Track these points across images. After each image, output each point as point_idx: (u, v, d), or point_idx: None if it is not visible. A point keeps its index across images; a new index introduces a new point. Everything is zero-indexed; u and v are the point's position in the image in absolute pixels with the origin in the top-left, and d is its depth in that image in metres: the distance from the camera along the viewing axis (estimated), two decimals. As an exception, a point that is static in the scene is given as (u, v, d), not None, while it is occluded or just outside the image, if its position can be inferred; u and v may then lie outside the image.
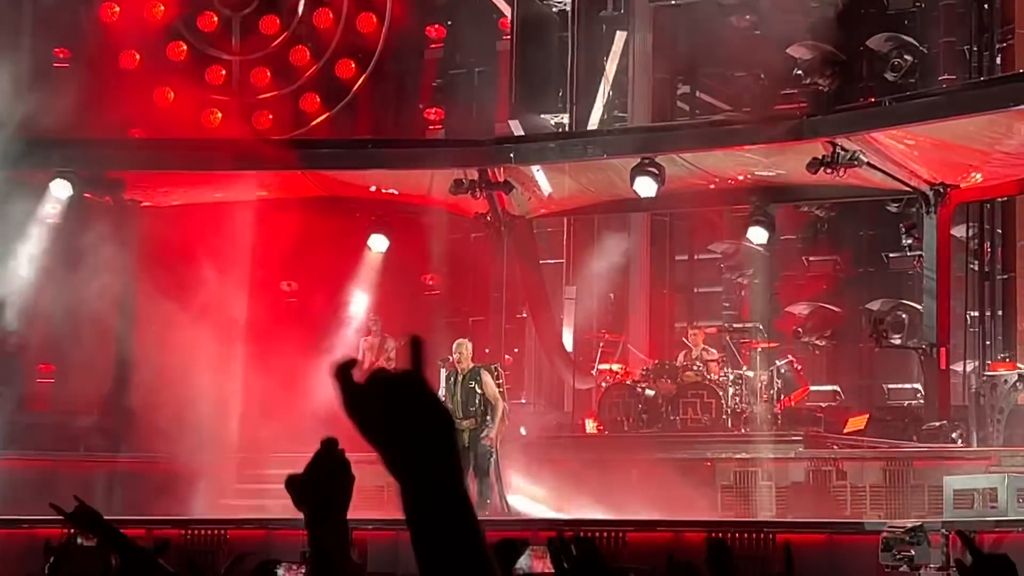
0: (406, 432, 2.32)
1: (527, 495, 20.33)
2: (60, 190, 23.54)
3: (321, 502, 2.98)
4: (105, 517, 5.37)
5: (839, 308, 26.23)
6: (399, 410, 2.33)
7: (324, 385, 22.42)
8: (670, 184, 22.17)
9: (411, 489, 2.29)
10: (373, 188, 24.56)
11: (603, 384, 22.78)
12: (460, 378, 19.61)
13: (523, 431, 21.84)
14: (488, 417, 19.49)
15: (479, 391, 19.54)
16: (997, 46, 24.71)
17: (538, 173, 23.48)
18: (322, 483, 2.98)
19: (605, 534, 16.07)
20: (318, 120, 28.72)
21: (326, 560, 2.96)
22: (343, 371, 2.41)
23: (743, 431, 21.31)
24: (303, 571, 7.43)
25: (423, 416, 2.32)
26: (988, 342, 24.29)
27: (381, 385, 2.36)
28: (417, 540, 2.28)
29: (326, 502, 2.98)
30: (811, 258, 26.99)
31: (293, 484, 3.00)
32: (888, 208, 25.92)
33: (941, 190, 21.74)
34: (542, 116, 27.31)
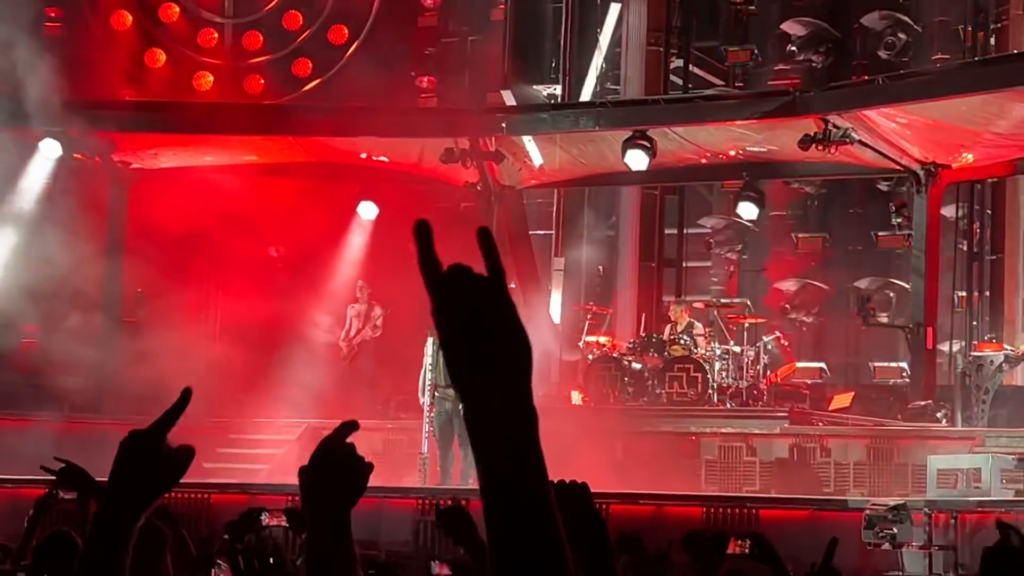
0: (487, 344, 2.13)
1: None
2: (49, 150, 23.47)
3: (329, 506, 2.83)
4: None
5: (827, 285, 26.25)
6: (482, 317, 2.14)
7: (309, 351, 22.37)
8: (661, 158, 22.15)
9: (482, 401, 2.13)
10: (364, 155, 24.50)
11: (590, 356, 22.77)
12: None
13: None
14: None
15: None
16: (992, 26, 24.68)
17: (529, 144, 23.44)
18: (328, 481, 2.82)
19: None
20: (310, 85, 28.63)
21: (324, 562, 2.83)
22: (427, 239, 2.18)
23: (728, 406, 21.32)
24: (284, 520, 7.45)
25: (505, 331, 2.14)
26: (975, 322, 24.33)
27: (470, 282, 2.16)
28: (482, 459, 2.14)
29: (329, 503, 2.83)
30: (800, 235, 27.01)
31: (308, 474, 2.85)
32: (878, 186, 25.94)
33: (932, 169, 21.74)
34: (534, 87, 27.27)
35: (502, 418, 2.13)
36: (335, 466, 2.75)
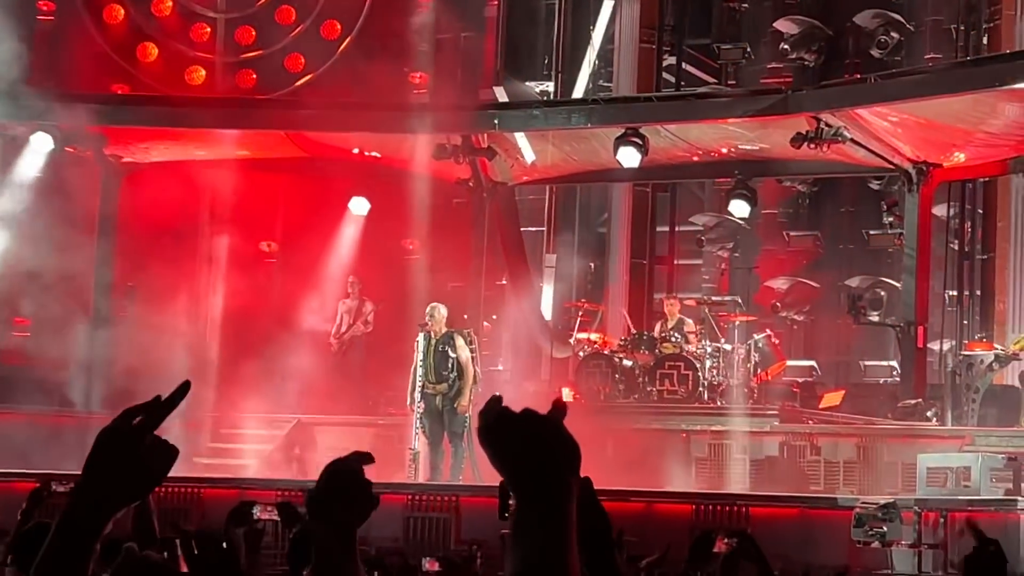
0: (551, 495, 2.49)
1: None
2: (41, 143, 23.43)
3: (339, 520, 2.88)
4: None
5: (818, 284, 26.28)
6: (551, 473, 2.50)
7: (300, 346, 22.30)
8: (653, 155, 22.15)
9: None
10: (356, 150, 24.49)
11: (580, 353, 22.78)
12: (434, 342, 19.55)
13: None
14: (461, 383, 19.46)
15: (452, 355, 19.49)
16: (984, 26, 24.69)
17: (521, 140, 23.44)
18: (333, 501, 2.87)
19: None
20: (302, 80, 28.58)
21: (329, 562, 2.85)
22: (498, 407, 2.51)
23: (719, 404, 21.34)
24: (275, 514, 7.46)
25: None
26: (965, 322, 24.35)
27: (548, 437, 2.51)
28: None
29: (336, 521, 2.88)
30: (792, 233, 27.04)
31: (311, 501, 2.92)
32: (870, 185, 25.98)
33: (924, 168, 21.76)
34: (527, 84, 27.28)
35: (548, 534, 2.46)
36: (342, 492, 2.78)
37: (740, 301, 24.42)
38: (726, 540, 6.83)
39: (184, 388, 2.69)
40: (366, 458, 2.81)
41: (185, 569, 4.86)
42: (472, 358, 19.67)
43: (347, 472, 2.82)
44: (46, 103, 23.33)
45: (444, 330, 19.65)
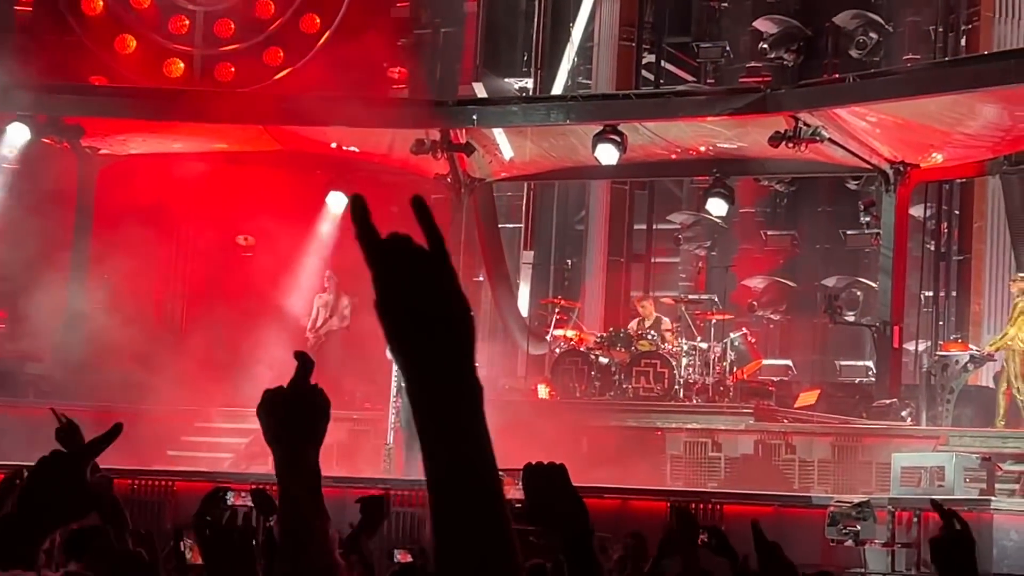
0: (428, 312, 2.07)
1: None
2: (17, 134, 23.34)
3: (297, 436, 2.81)
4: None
5: (795, 283, 26.32)
6: (422, 286, 2.08)
7: (275, 339, 22.25)
8: (631, 152, 22.16)
9: (423, 375, 2.07)
10: (334, 145, 24.45)
11: (557, 350, 22.78)
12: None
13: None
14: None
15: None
16: (963, 27, 24.76)
17: (500, 136, 23.43)
18: (301, 413, 2.81)
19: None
20: (281, 74, 28.53)
21: (295, 513, 2.82)
22: (363, 211, 2.13)
23: (695, 402, 21.35)
24: (249, 500, 7.44)
25: (446, 300, 2.09)
26: (941, 322, 24.42)
27: (409, 251, 2.10)
28: (426, 439, 2.06)
29: (301, 438, 2.81)
30: (769, 232, 27.07)
31: (269, 408, 2.82)
32: (847, 185, 26.02)
33: (901, 169, 21.80)
34: (506, 80, 27.26)
35: (444, 390, 2.08)
36: (295, 406, 2.76)
37: (717, 300, 24.43)
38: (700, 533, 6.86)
39: (115, 430, 2.82)
40: (307, 361, 2.76)
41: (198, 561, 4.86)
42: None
43: (295, 390, 2.81)
44: (23, 94, 23.25)
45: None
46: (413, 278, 2.09)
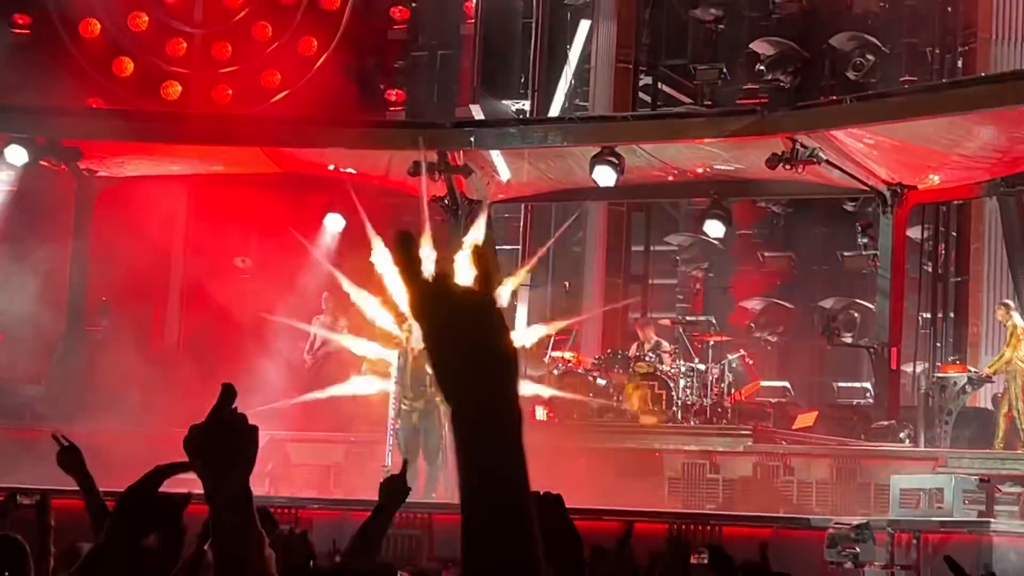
0: (480, 363, 2.09)
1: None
2: (15, 156, 23.34)
3: (222, 464, 2.84)
4: (49, 487, 5.32)
5: (792, 305, 26.31)
6: (473, 336, 2.09)
7: (273, 362, 22.16)
8: (629, 174, 22.16)
9: (466, 426, 2.11)
10: (331, 167, 24.45)
11: (555, 372, 22.75)
12: (410, 358, 19.50)
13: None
14: (437, 399, 19.40)
15: (429, 372, 19.38)
16: (959, 49, 24.81)
17: (497, 158, 23.43)
18: (224, 442, 2.84)
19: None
20: (278, 96, 28.57)
21: (229, 537, 2.84)
22: (411, 250, 2.10)
23: (692, 423, 21.32)
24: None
25: (497, 349, 2.10)
26: (939, 344, 24.41)
27: (459, 299, 2.09)
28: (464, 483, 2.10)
29: (228, 465, 2.84)
30: (766, 254, 27.07)
31: (193, 442, 2.86)
32: (845, 207, 26.01)
33: (898, 190, 21.81)
34: (503, 102, 27.29)
35: (489, 421, 2.10)
36: (217, 435, 2.79)
37: (714, 321, 24.42)
38: (698, 553, 6.85)
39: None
40: (230, 392, 2.79)
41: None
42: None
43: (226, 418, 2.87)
44: (21, 116, 23.26)
45: (421, 347, 19.53)
46: (463, 328, 2.10)
